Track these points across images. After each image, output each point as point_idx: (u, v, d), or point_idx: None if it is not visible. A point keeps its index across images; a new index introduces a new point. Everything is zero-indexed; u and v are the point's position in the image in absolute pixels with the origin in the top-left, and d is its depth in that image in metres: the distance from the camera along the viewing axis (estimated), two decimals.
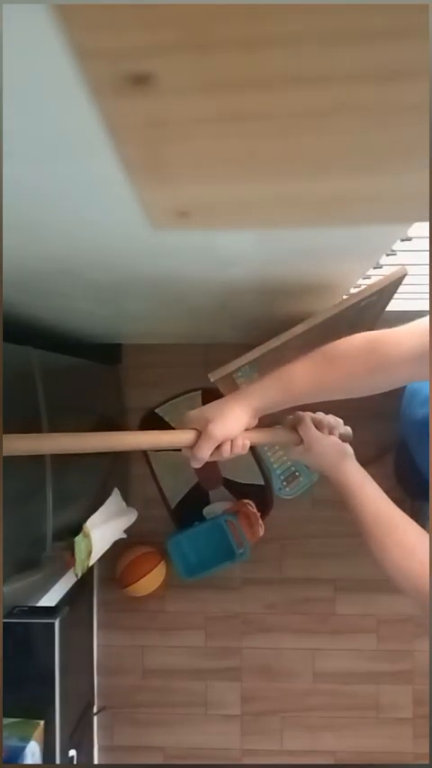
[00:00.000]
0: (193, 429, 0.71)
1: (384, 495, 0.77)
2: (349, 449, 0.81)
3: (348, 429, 0.84)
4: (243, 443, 0.72)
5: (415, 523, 0.74)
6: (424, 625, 1.61)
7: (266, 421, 0.77)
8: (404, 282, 0.97)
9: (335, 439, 0.80)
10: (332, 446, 0.79)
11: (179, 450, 0.72)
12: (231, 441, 0.71)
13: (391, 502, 0.76)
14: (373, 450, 1.54)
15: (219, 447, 0.70)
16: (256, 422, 0.75)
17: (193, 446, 0.70)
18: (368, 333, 0.74)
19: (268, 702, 1.65)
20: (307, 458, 0.80)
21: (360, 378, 0.72)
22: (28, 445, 0.61)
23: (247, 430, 0.73)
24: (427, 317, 0.70)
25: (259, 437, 0.76)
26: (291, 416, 0.83)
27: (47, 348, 1.06)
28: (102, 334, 1.46)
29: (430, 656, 1.60)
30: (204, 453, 0.69)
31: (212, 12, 0.21)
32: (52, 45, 0.24)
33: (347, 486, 0.77)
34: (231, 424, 0.70)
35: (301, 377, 0.73)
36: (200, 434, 0.70)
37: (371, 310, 1.06)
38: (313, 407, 0.82)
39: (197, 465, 0.71)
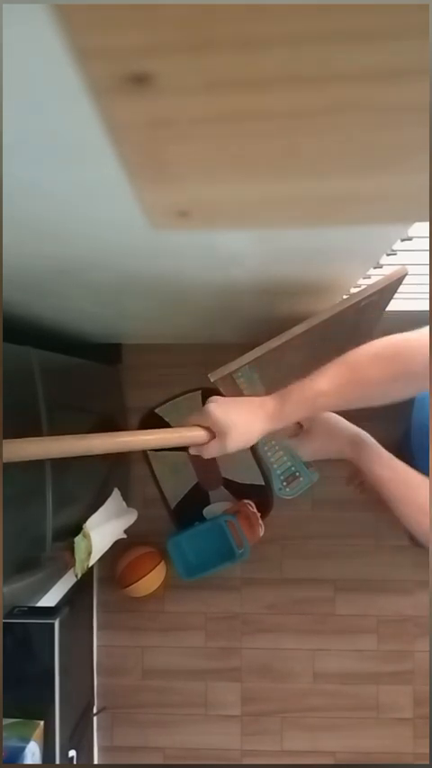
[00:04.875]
0: (207, 429, 0.70)
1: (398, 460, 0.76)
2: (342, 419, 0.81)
3: None
4: None
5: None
6: (424, 625, 1.61)
7: None
8: (404, 282, 0.97)
9: (330, 413, 0.80)
10: (330, 417, 0.79)
11: (183, 449, 0.73)
12: None
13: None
14: None
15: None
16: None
17: (205, 443, 0.70)
18: (390, 337, 0.71)
19: (268, 703, 1.65)
20: (309, 441, 0.80)
21: (382, 384, 0.69)
22: (34, 450, 0.60)
23: None
24: None
25: None
26: None
27: (47, 348, 1.06)
28: (102, 334, 1.46)
29: (430, 656, 1.60)
30: (213, 455, 0.70)
31: (212, 12, 0.21)
32: (52, 45, 0.24)
33: (362, 447, 0.76)
34: (248, 439, 0.70)
35: (326, 389, 0.70)
36: (212, 435, 0.70)
37: (371, 310, 1.05)
38: None
39: (207, 456, 0.71)
